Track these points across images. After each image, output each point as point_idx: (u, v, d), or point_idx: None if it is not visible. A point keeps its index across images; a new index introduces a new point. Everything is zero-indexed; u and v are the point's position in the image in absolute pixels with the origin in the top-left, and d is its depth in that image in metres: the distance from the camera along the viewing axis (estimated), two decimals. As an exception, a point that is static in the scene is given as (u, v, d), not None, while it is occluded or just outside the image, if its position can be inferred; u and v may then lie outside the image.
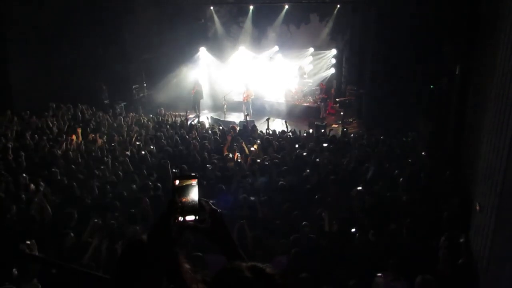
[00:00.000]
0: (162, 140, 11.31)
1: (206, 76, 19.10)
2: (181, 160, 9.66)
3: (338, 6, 17.44)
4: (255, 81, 18.09)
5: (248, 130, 13.21)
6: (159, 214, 1.59)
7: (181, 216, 1.58)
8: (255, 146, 10.90)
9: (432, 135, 11.96)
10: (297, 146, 11.00)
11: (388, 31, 12.49)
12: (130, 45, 16.74)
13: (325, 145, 10.61)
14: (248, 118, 15.04)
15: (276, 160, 9.61)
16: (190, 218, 1.59)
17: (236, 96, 18.02)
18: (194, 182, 1.62)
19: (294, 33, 18.78)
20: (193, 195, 1.60)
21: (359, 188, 7.79)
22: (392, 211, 7.09)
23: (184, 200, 1.59)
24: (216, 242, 1.65)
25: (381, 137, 11.77)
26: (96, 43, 15.45)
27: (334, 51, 18.52)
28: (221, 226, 1.64)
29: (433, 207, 7.23)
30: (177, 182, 1.61)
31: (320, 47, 18.85)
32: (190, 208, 1.59)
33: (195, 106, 17.63)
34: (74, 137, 10.87)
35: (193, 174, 1.65)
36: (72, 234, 5.70)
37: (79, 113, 13.82)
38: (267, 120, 14.59)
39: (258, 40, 19.21)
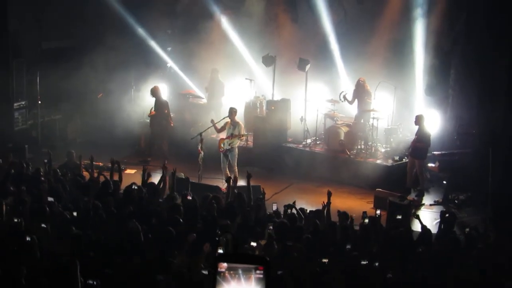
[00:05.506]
0: (68, 217, 9.52)
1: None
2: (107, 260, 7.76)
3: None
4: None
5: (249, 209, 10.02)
6: None
7: None
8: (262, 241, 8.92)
9: None
10: (349, 246, 9.23)
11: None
12: (16, 26, 14.94)
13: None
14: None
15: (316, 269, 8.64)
16: None
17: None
18: (260, 270, 1.58)
19: (352, 13, 15.79)
20: None
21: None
22: None
23: None
24: None
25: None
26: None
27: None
28: None
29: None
30: (223, 266, 1.56)
31: (402, 42, 14.90)
32: None
33: (151, 145, 15.19)
34: None
35: (260, 256, 1.55)
36: None
37: None
38: (291, 205, 10.38)
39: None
